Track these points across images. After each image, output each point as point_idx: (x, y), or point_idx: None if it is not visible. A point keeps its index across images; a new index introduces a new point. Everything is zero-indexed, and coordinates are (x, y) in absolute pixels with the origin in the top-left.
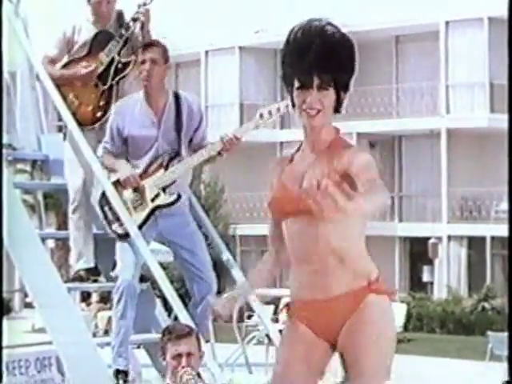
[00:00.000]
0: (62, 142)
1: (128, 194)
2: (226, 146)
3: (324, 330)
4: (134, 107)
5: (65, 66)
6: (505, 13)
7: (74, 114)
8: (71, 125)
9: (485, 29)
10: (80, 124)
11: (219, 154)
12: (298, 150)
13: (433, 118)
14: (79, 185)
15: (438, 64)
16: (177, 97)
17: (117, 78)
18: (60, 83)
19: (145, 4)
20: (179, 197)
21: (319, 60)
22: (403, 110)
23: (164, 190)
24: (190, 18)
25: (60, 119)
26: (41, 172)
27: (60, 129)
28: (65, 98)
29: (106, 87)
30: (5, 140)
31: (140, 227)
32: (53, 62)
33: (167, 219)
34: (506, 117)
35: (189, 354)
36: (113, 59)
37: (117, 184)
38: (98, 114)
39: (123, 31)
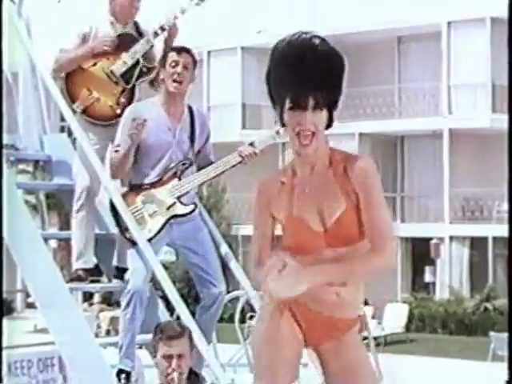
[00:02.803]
0: (64, 142)
1: (142, 201)
2: (244, 160)
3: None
4: (151, 111)
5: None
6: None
7: (90, 107)
8: (75, 127)
9: (487, 29)
10: (96, 118)
11: (235, 165)
12: (292, 172)
13: (435, 118)
14: (85, 184)
15: (440, 64)
16: (190, 109)
17: (140, 80)
18: (76, 70)
19: (176, 17)
20: (196, 207)
21: (314, 78)
22: (405, 110)
23: (179, 199)
24: (192, 18)
25: (62, 119)
26: (43, 172)
27: (63, 129)
28: (80, 86)
29: (128, 86)
30: (7, 140)
31: (156, 234)
32: (65, 51)
33: (181, 225)
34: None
35: (180, 356)
36: (138, 61)
37: (129, 192)
38: (118, 111)
39: (151, 37)
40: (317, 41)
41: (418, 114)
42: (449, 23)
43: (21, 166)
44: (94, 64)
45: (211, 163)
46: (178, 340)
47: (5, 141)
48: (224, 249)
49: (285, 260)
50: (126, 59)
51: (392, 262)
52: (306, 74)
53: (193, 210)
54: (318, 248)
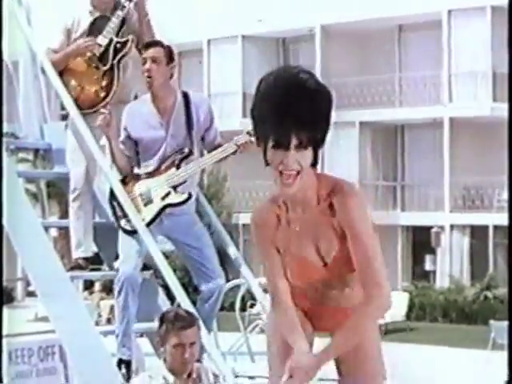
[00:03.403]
0: (64, 130)
1: (138, 190)
2: (240, 148)
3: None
4: (142, 109)
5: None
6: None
7: (77, 99)
8: (74, 114)
9: (488, 18)
10: (83, 108)
11: (232, 153)
12: (285, 205)
13: (436, 107)
14: (81, 173)
15: (440, 53)
16: (186, 96)
17: (117, 58)
18: (62, 69)
19: None
20: (190, 196)
21: (298, 117)
22: (406, 99)
23: (174, 188)
24: (192, 6)
25: (63, 108)
26: (43, 161)
27: (63, 118)
28: (67, 84)
29: (106, 68)
30: (7, 129)
31: (149, 224)
32: (56, 52)
33: (174, 219)
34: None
35: (191, 344)
36: (111, 40)
37: (126, 180)
38: (102, 95)
39: (119, 11)
40: (304, 76)
41: (419, 102)
42: (449, 12)
43: (21, 155)
44: (75, 58)
45: (219, 147)
46: (190, 329)
47: (5, 129)
48: (224, 238)
49: (292, 368)
50: (100, 41)
51: (388, 305)
52: (289, 111)
53: (187, 199)
54: (320, 277)
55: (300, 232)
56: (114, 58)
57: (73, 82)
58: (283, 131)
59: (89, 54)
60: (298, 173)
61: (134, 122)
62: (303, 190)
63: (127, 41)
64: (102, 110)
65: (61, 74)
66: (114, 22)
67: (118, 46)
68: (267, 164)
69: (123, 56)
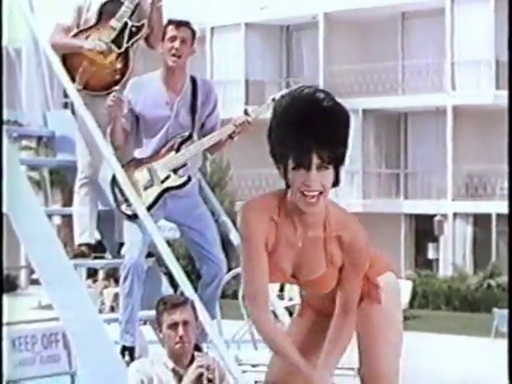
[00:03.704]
0: (68, 118)
1: (138, 174)
2: (238, 129)
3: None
4: (150, 85)
5: (74, 36)
6: None
7: (89, 81)
8: (77, 102)
9: (491, 5)
10: (97, 89)
11: (230, 137)
12: (284, 212)
13: (438, 94)
14: (88, 160)
15: (443, 41)
16: (193, 80)
17: (131, 41)
18: (73, 51)
19: None
20: (189, 179)
21: (318, 136)
22: (409, 86)
23: (175, 172)
24: None
25: (66, 95)
26: (46, 148)
27: (66, 105)
28: (79, 66)
29: (121, 51)
30: (10, 116)
31: (149, 208)
32: (66, 31)
33: (176, 201)
34: None
35: (185, 323)
36: (125, 24)
37: (127, 165)
38: (116, 77)
39: None
40: (321, 95)
41: (422, 90)
42: None
43: (24, 142)
44: (87, 37)
45: None
46: (182, 307)
47: (8, 117)
48: (227, 226)
49: None
50: (114, 24)
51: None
52: (309, 131)
53: (186, 182)
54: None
55: (292, 247)
56: (128, 41)
57: (85, 63)
58: (304, 151)
59: (100, 38)
60: (321, 193)
61: (139, 96)
62: (315, 216)
63: (143, 25)
64: (116, 88)
65: (69, 55)
66: (129, 6)
67: (134, 29)
68: (288, 186)
69: (137, 40)
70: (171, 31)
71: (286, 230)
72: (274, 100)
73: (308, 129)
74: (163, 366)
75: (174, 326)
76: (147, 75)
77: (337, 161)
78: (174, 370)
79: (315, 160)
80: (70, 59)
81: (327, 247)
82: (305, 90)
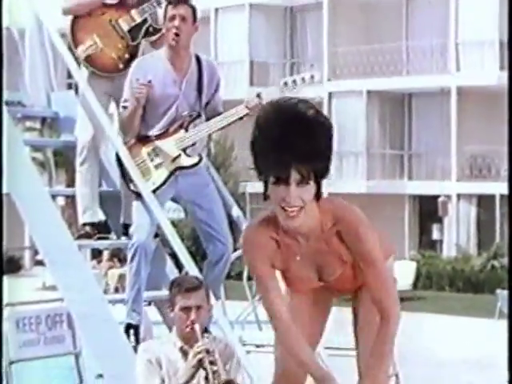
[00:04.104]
0: (71, 99)
1: (147, 152)
2: (251, 111)
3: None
4: (156, 64)
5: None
6: None
7: (94, 58)
8: (81, 81)
9: None
10: (99, 69)
11: (241, 118)
12: (283, 230)
13: (443, 75)
14: (88, 138)
15: (447, 21)
16: (198, 59)
17: (146, 39)
18: (86, 23)
19: None
20: (201, 158)
21: (297, 151)
22: (413, 67)
23: (184, 151)
24: None
25: (70, 76)
26: (50, 129)
27: (70, 86)
28: (87, 38)
29: (134, 43)
30: (14, 97)
31: (160, 186)
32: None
33: (187, 178)
34: None
35: (198, 307)
36: (145, 20)
37: (134, 142)
38: (120, 66)
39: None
40: (302, 108)
41: (426, 71)
42: None
43: (28, 123)
44: (103, 13)
45: (220, 114)
46: (196, 292)
47: (12, 98)
48: (232, 206)
49: None
50: (135, 15)
51: (398, 322)
52: (288, 146)
53: (198, 162)
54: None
55: (300, 259)
56: (143, 37)
57: (94, 38)
58: (283, 167)
59: (117, 20)
60: (300, 208)
61: (147, 76)
62: (306, 222)
63: (160, 30)
64: (142, 80)
65: (75, 18)
66: (154, 4)
67: (151, 29)
68: (265, 198)
69: (149, 40)
70: (170, 10)
71: (289, 244)
72: (285, 84)
73: (287, 144)
74: (172, 345)
75: (186, 309)
76: (151, 55)
77: (317, 175)
78: (182, 349)
79: (294, 175)
80: (80, 22)
81: (330, 246)
82: (287, 102)
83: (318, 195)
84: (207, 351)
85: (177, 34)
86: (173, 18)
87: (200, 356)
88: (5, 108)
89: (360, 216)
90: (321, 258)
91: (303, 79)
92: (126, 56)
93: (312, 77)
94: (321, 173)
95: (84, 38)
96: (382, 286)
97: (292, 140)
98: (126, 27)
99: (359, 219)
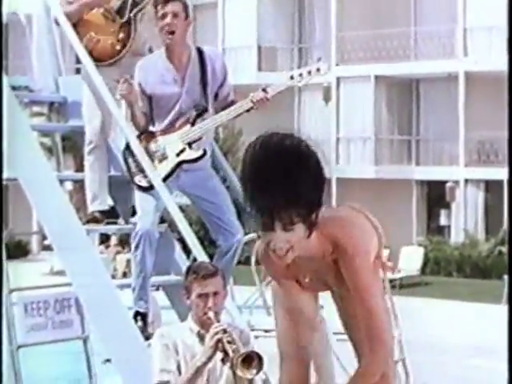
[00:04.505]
0: (80, 84)
1: (153, 146)
2: (256, 105)
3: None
4: (156, 64)
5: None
6: None
7: (92, 51)
8: (90, 67)
9: None
10: (99, 60)
11: (247, 111)
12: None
13: (450, 60)
14: (97, 126)
15: (455, 6)
16: (200, 52)
17: (134, 11)
18: (78, 20)
19: None
20: (205, 153)
21: (278, 199)
22: (421, 52)
23: (189, 145)
24: None
25: (78, 61)
26: (58, 114)
27: (78, 71)
28: (83, 36)
29: (123, 20)
30: (22, 82)
31: (163, 181)
32: (70, 2)
33: (189, 174)
34: None
35: (215, 294)
36: None
37: (141, 137)
38: (118, 47)
39: None
40: (287, 148)
41: (434, 56)
42: None
43: (36, 108)
44: (92, 9)
45: (232, 104)
46: (213, 278)
47: (19, 82)
48: (240, 191)
49: None
50: None
51: (383, 365)
52: (270, 194)
53: (202, 156)
54: None
55: (310, 277)
56: (131, 11)
57: (89, 34)
58: (266, 215)
59: (105, 5)
60: (288, 250)
61: (148, 77)
62: (306, 251)
63: None
64: (124, 78)
65: (76, 25)
66: None
67: (137, 0)
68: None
69: (140, 10)
70: (161, 9)
71: (294, 269)
72: (292, 78)
73: (268, 192)
74: (188, 330)
75: (203, 296)
76: (152, 55)
77: (304, 217)
78: (199, 334)
79: (278, 223)
80: (77, 28)
81: (335, 268)
82: (273, 140)
83: (310, 230)
84: (224, 331)
85: (171, 32)
86: (164, 16)
87: (218, 336)
88: (5, 93)
89: (358, 243)
90: (325, 278)
91: (309, 72)
92: (121, 35)
93: (318, 69)
94: (309, 213)
95: (84, 35)
96: (366, 315)
97: (273, 188)
98: (116, 7)
99: (357, 250)
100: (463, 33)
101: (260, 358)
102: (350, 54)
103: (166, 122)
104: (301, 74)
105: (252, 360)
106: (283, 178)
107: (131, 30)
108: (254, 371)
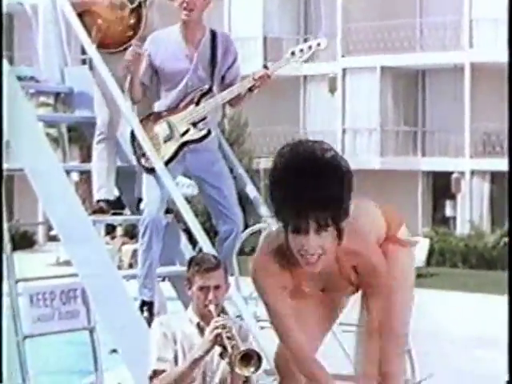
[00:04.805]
0: (86, 74)
1: (158, 128)
2: (257, 83)
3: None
4: (169, 39)
5: None
6: None
7: (103, 38)
8: (95, 57)
9: None
10: (110, 47)
11: (250, 90)
12: (290, 253)
13: (456, 52)
14: (107, 116)
15: None
16: (213, 33)
17: None
18: (85, 10)
19: None
20: (209, 133)
21: (314, 200)
22: (426, 44)
23: (194, 125)
24: None
25: (84, 52)
26: (64, 105)
27: (84, 62)
28: (93, 24)
29: (134, 6)
30: (28, 72)
31: (169, 162)
32: None
33: (196, 155)
34: None
35: (216, 287)
36: None
37: (146, 119)
38: (129, 33)
39: None
40: (318, 153)
41: (440, 47)
42: None
43: (42, 99)
44: None
45: None
46: (215, 271)
47: (25, 73)
48: (246, 182)
49: None
50: None
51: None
52: (305, 196)
53: (206, 135)
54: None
55: (311, 281)
56: None
57: (99, 22)
58: (301, 217)
59: None
60: (320, 256)
61: (158, 50)
62: (325, 266)
63: None
64: (135, 42)
65: (82, 14)
66: None
67: None
68: (287, 245)
69: None
70: None
71: (301, 271)
72: (293, 54)
73: (303, 193)
74: (188, 321)
75: (204, 289)
76: (166, 29)
77: (336, 221)
78: (198, 325)
79: (313, 225)
80: (83, 18)
81: (343, 272)
82: (303, 146)
83: (339, 238)
84: (224, 326)
85: (190, 9)
86: None
87: (217, 331)
88: (5, 82)
89: (375, 250)
90: (330, 279)
91: (310, 47)
92: (131, 21)
93: (319, 44)
94: (341, 217)
95: (90, 30)
96: (381, 314)
97: (308, 189)
98: None
99: (375, 255)
100: (469, 24)
101: (259, 357)
102: (356, 44)
103: (171, 99)
104: (302, 50)
105: (251, 358)
106: (320, 179)
107: (142, 16)
108: (252, 369)
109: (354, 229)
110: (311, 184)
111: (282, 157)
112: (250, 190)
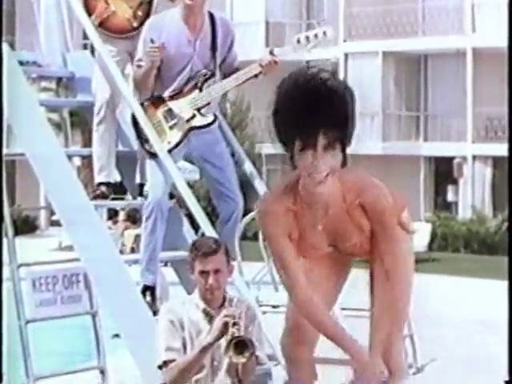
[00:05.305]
0: (87, 59)
1: (162, 113)
2: (264, 69)
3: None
4: (171, 24)
5: None
6: None
7: (106, 21)
8: (97, 42)
9: None
10: (114, 32)
11: (255, 76)
12: (300, 199)
13: (459, 36)
14: (106, 97)
15: None
16: (212, 17)
17: None
18: None
19: None
20: (215, 118)
21: (324, 116)
22: (429, 28)
23: (199, 111)
24: None
25: (85, 37)
26: (66, 90)
27: (85, 46)
28: (95, 6)
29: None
30: (30, 57)
31: (175, 147)
32: None
33: (199, 137)
34: None
35: (216, 271)
36: None
37: (149, 102)
38: (135, 24)
39: None
40: (325, 75)
41: (442, 32)
42: None
43: (43, 84)
44: None
45: (237, 70)
46: (214, 256)
47: (27, 58)
48: (248, 167)
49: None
50: None
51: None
52: (315, 111)
53: (212, 122)
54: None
55: (316, 229)
56: None
57: (102, 3)
58: (310, 132)
59: None
60: (327, 175)
61: (161, 35)
62: (328, 193)
63: None
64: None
65: None
66: None
67: None
68: (294, 167)
69: None
70: None
71: (307, 214)
72: (298, 41)
73: (313, 109)
74: (194, 306)
75: (204, 273)
76: (165, 14)
77: (343, 141)
78: (204, 311)
79: (322, 140)
80: (87, 1)
81: (352, 217)
82: (308, 70)
83: (343, 163)
84: (233, 317)
85: None
86: None
87: (226, 320)
88: (5, 66)
89: (384, 190)
90: (339, 227)
91: (316, 35)
92: (140, 13)
93: (324, 33)
94: (346, 139)
95: (96, 5)
96: (391, 258)
97: (318, 105)
98: None
99: (383, 193)
100: (471, 9)
101: (253, 344)
102: (358, 29)
103: (175, 86)
104: (307, 37)
105: (245, 345)
106: (330, 97)
107: (151, 10)
108: (247, 354)
109: (363, 174)
110: (323, 101)
111: (286, 81)
112: (249, 170)
